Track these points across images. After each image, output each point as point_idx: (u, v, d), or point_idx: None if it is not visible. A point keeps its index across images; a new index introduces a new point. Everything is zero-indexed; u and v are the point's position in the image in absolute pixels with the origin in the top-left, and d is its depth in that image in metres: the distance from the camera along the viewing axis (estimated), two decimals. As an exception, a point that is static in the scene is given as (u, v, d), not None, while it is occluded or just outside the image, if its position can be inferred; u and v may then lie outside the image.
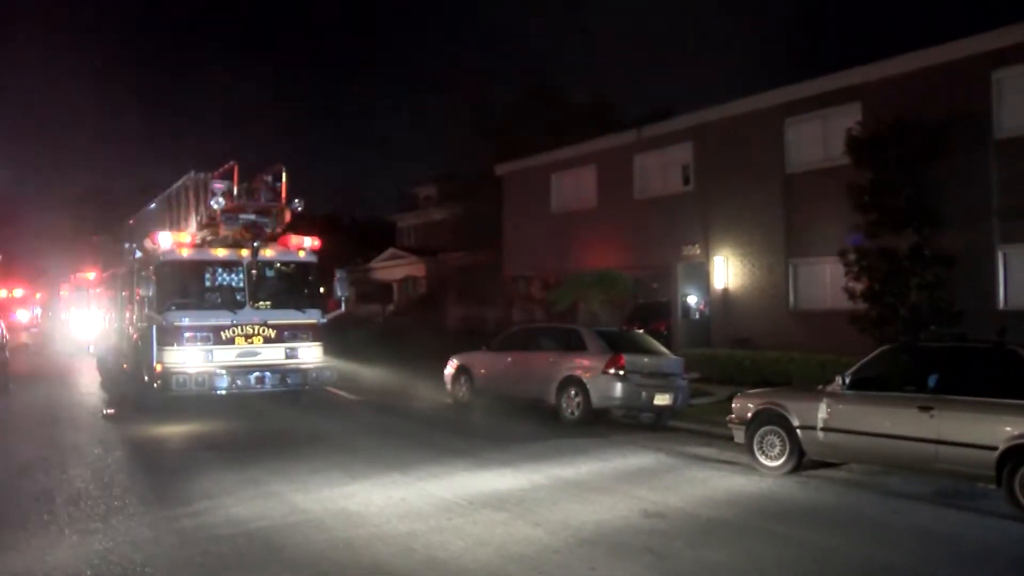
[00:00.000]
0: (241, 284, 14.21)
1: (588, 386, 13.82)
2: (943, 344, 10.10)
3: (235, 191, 14.24)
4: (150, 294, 13.70)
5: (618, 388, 13.65)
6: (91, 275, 26.22)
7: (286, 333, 14.25)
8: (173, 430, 12.87)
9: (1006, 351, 9.01)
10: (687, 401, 14.77)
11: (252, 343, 13.91)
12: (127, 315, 16.76)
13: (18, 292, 42.71)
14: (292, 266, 14.92)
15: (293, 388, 14.25)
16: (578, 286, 22.06)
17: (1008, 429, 8.15)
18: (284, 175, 14.51)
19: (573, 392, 14.04)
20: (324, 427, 13.42)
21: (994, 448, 8.16)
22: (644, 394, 13.78)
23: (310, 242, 14.95)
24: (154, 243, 14.34)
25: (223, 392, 13.48)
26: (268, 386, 13.83)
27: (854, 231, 16.62)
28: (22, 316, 40.18)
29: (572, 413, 13.99)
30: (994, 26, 16.72)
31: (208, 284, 14.28)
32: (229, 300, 14.09)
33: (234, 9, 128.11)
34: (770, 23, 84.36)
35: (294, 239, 14.81)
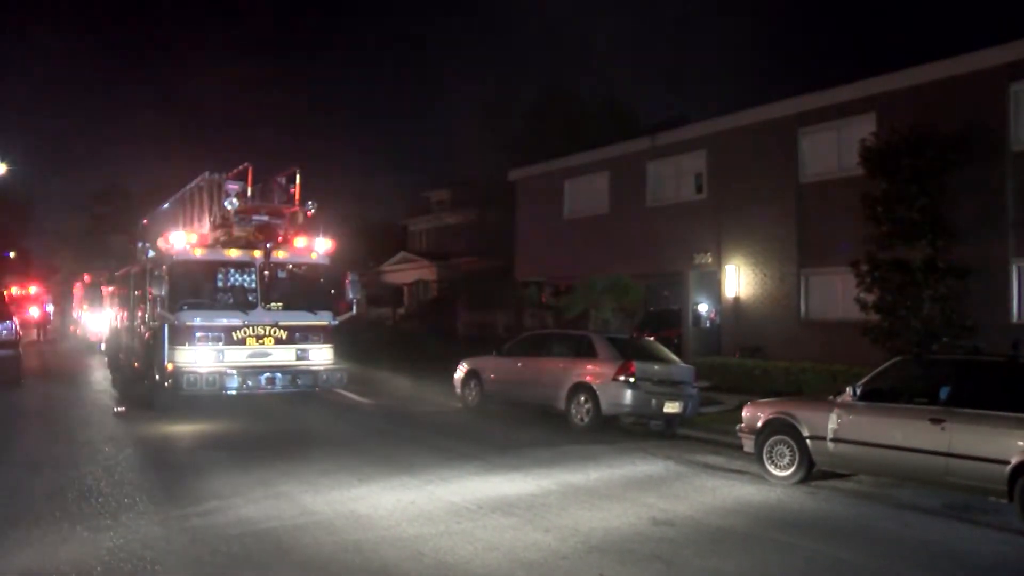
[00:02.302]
0: (253, 285, 14.24)
1: (598, 393, 13.81)
2: (956, 356, 10.07)
3: (249, 192, 14.29)
4: (162, 293, 13.75)
5: (628, 395, 13.64)
6: (105, 273, 26.36)
7: (297, 335, 14.28)
8: (184, 429, 12.92)
9: (1019, 365, 8.97)
10: (697, 409, 14.74)
11: (263, 344, 13.95)
12: (139, 314, 16.82)
13: (35, 289, 42.98)
14: (304, 268, 14.95)
15: (303, 390, 14.26)
16: (589, 292, 22.03)
17: (1020, 443, 8.10)
18: (298, 177, 14.55)
19: (583, 398, 14.03)
20: (334, 429, 13.45)
21: (1006, 462, 8.11)
22: (654, 402, 13.76)
23: (323, 244, 14.98)
24: (167, 243, 14.39)
25: (233, 392, 13.51)
26: (279, 387, 13.85)
27: (868, 242, 16.57)
28: (35, 313, 40.38)
29: (582, 419, 13.98)
30: (1011, 38, 16.65)
31: (220, 284, 14.31)
32: (241, 301, 14.12)
33: (249, 12, 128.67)
34: (786, 33, 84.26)
35: (307, 241, 14.84)
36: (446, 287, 43.78)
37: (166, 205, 18.42)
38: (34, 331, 35.19)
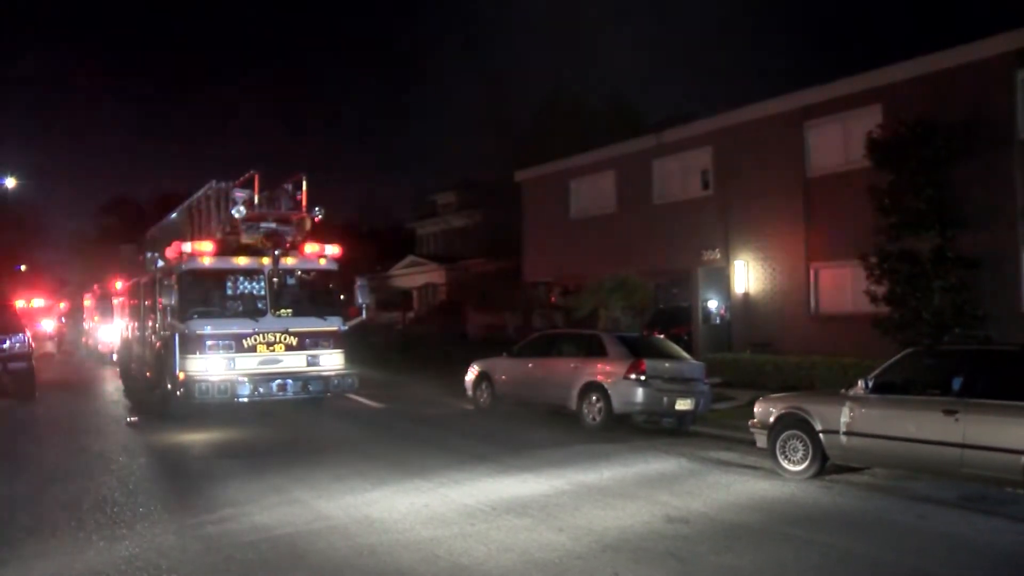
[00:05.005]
0: (262, 292, 14.28)
1: (609, 391, 13.80)
2: (968, 347, 10.01)
3: (256, 200, 14.32)
4: (172, 303, 13.81)
5: (639, 393, 13.63)
6: (114, 284, 26.45)
7: (307, 340, 14.31)
8: (196, 437, 12.95)
9: (1032, 354, 8.93)
10: (709, 406, 14.72)
11: (274, 351, 13.98)
12: (150, 324, 16.88)
13: (42, 302, 43.12)
14: (313, 274, 14.98)
15: (315, 395, 14.29)
16: (598, 292, 22.03)
17: (1035, 433, 8.05)
18: (304, 183, 14.58)
19: (594, 398, 14.03)
20: (346, 434, 13.47)
21: (1021, 452, 8.06)
22: (665, 399, 13.75)
23: (330, 250, 15.01)
24: (176, 252, 14.43)
25: (245, 400, 13.54)
26: (290, 393, 13.87)
27: (876, 234, 16.52)
28: (47, 326, 40.53)
29: (593, 419, 13.97)
30: (1017, 25, 16.56)
31: (230, 292, 14.35)
32: (251, 308, 14.16)
33: (255, 18, 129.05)
34: (789, 26, 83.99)
35: (315, 247, 14.87)
36: (455, 290, 43.81)
37: (174, 214, 18.48)
38: (47, 344, 35.31)
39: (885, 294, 16.35)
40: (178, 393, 13.66)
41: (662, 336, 17.82)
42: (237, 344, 13.75)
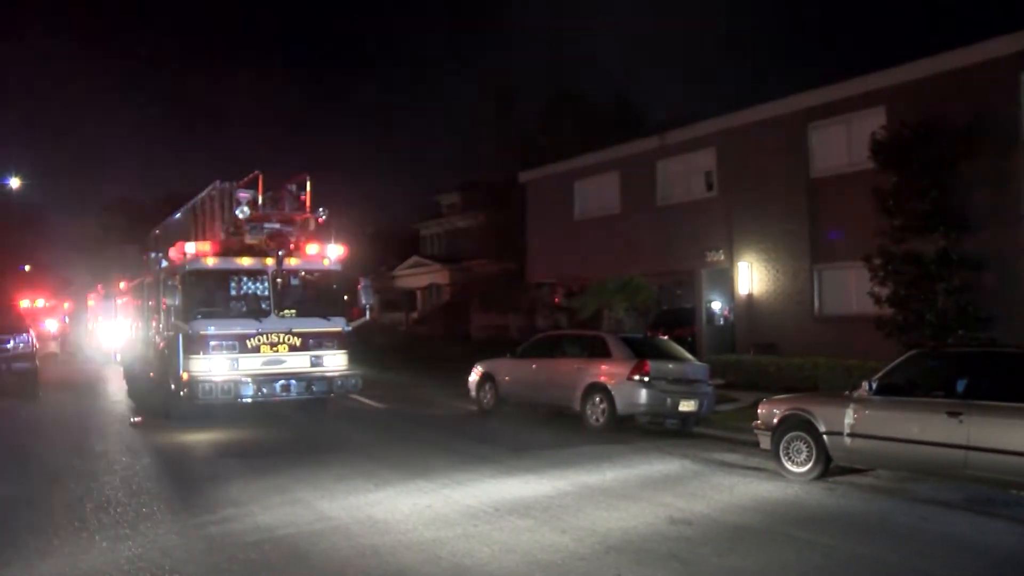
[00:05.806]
0: (266, 293, 14.29)
1: (613, 393, 13.79)
2: (972, 349, 9.99)
3: (260, 200, 14.34)
4: (176, 303, 13.81)
5: (643, 394, 13.61)
6: (118, 284, 26.46)
7: (311, 341, 14.32)
8: (200, 438, 12.96)
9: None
10: (712, 407, 14.70)
11: (277, 351, 13.99)
12: (153, 324, 16.89)
13: (46, 302, 43.15)
14: (316, 274, 14.99)
15: (318, 396, 14.29)
16: (602, 293, 22.02)
17: (1040, 435, 8.02)
18: (308, 184, 14.60)
19: (598, 399, 14.02)
20: (349, 435, 13.48)
21: (1026, 454, 8.04)
22: (669, 400, 13.74)
23: (334, 250, 15.01)
24: (180, 252, 14.44)
25: (249, 400, 13.55)
26: (294, 394, 13.87)
27: (880, 236, 16.49)
28: (50, 326, 40.54)
29: (597, 420, 13.96)
30: (1021, 26, 16.53)
31: (234, 293, 14.36)
32: (254, 309, 14.17)
33: (259, 18, 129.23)
34: (793, 28, 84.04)
35: (318, 248, 14.88)
36: (459, 290, 43.78)
37: (178, 215, 18.51)
38: (51, 344, 35.36)
39: (889, 296, 16.32)
40: (182, 393, 13.67)
41: (666, 337, 17.81)
42: (241, 344, 13.75)
